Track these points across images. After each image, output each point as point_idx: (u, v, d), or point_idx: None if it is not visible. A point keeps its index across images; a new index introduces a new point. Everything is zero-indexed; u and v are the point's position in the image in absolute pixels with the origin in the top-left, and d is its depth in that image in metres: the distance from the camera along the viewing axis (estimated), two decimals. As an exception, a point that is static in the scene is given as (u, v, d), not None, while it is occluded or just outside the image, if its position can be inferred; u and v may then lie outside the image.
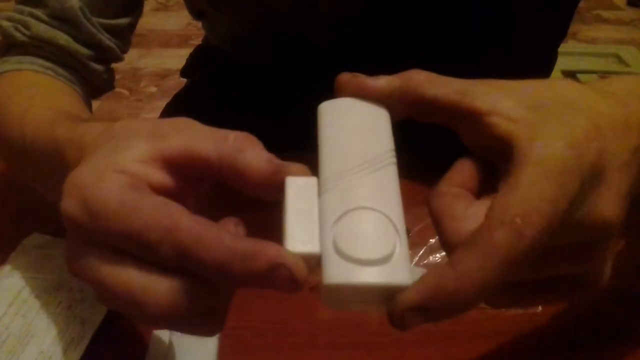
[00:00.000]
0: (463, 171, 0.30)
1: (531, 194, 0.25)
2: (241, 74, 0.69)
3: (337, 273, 0.24)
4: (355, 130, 0.28)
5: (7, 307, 0.39)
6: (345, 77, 0.30)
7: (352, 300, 0.25)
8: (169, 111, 0.75)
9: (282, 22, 0.56)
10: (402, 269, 0.24)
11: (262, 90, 0.67)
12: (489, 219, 0.25)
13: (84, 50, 0.51)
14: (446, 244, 0.27)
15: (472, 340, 0.40)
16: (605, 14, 2.81)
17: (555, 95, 0.29)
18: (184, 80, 0.80)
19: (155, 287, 0.25)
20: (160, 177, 0.27)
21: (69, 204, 0.26)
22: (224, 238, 0.24)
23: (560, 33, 0.63)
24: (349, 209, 0.25)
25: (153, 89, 2.19)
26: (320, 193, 0.26)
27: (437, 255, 0.46)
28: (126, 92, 2.16)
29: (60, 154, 0.33)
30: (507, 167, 0.26)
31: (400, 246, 0.24)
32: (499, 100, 0.28)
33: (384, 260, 0.24)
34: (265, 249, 0.24)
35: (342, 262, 0.24)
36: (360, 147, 0.28)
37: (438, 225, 0.27)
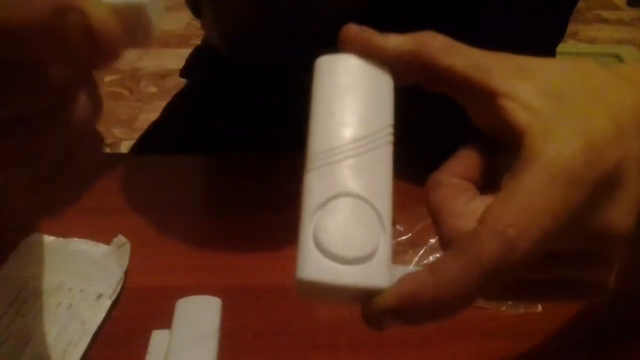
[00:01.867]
0: (466, 160, 0.27)
1: (532, 203, 0.23)
2: (240, 74, 0.69)
3: (313, 269, 0.22)
4: (354, 97, 0.26)
5: (7, 307, 0.39)
6: (352, 30, 0.27)
7: (326, 295, 0.23)
8: (169, 111, 0.75)
9: (279, 16, 0.55)
10: (382, 270, 0.23)
11: (261, 90, 0.67)
12: (481, 226, 0.23)
13: None
14: (443, 241, 0.25)
15: (472, 340, 0.40)
16: (605, 14, 2.81)
17: (579, 81, 0.26)
18: (184, 80, 0.80)
19: None
20: None
21: None
22: None
23: (558, 33, 0.63)
24: (336, 195, 0.23)
25: (153, 89, 2.19)
26: (306, 169, 0.24)
27: (437, 255, 0.46)
28: (126, 92, 2.16)
29: None
30: (514, 161, 0.25)
31: (383, 243, 0.23)
32: (518, 82, 0.26)
33: (365, 259, 0.23)
34: None
35: (320, 258, 0.22)
36: (356, 119, 0.25)
37: (436, 219, 0.26)
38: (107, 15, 0.18)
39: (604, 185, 0.24)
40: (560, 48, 0.66)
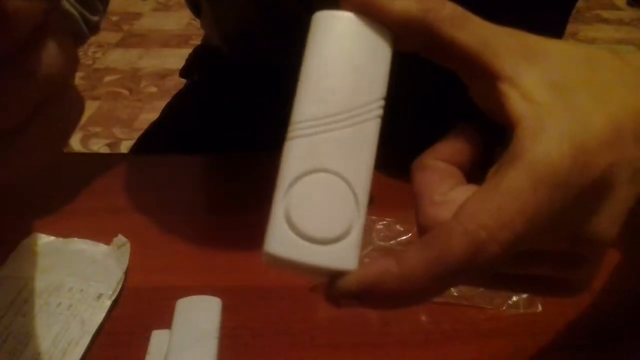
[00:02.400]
0: (455, 143, 0.26)
1: (509, 205, 0.22)
2: (240, 74, 0.69)
3: (280, 245, 0.22)
4: (347, 63, 0.24)
5: (7, 307, 0.39)
6: None
7: (293, 270, 0.23)
8: (169, 111, 0.75)
9: (279, 15, 0.55)
10: (351, 253, 0.23)
11: (261, 90, 0.67)
12: (454, 222, 0.22)
13: None
14: (418, 226, 0.25)
15: (472, 340, 0.40)
16: (605, 14, 2.81)
17: (588, 72, 0.25)
18: (184, 80, 0.80)
19: None
20: None
21: None
22: None
23: (558, 33, 0.63)
24: (313, 169, 0.23)
25: (153, 89, 2.19)
26: (288, 137, 0.23)
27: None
28: (126, 92, 2.16)
29: None
30: (504, 152, 0.24)
31: (355, 225, 0.23)
32: (523, 67, 0.24)
33: (334, 240, 0.22)
34: None
35: (290, 234, 0.22)
36: (346, 88, 0.24)
37: (417, 203, 0.25)
38: None
39: (591, 191, 0.23)
40: (561, 48, 0.66)
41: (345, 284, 0.23)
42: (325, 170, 0.23)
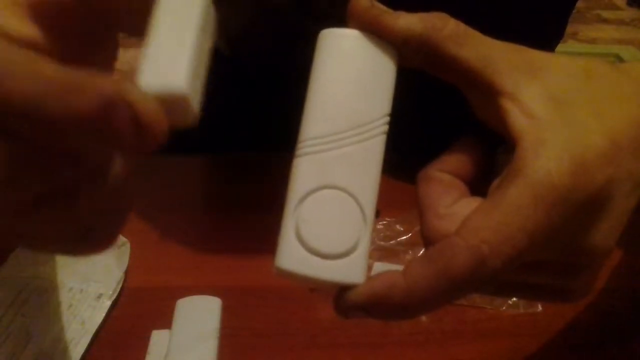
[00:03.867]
0: (460, 155, 0.27)
1: (510, 221, 0.23)
2: (239, 75, 0.69)
3: (291, 260, 0.23)
4: (353, 81, 0.25)
5: (7, 307, 0.39)
6: (361, 4, 0.25)
7: (303, 282, 0.24)
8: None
9: (279, 19, 0.55)
10: (359, 267, 0.23)
11: (260, 90, 0.67)
12: (457, 237, 0.23)
13: None
14: (424, 238, 0.25)
15: (472, 340, 0.40)
16: (605, 14, 2.81)
17: (588, 86, 0.25)
18: (184, 80, 0.80)
19: None
20: (25, 27, 0.21)
21: None
22: (42, 66, 0.17)
23: (558, 33, 0.63)
24: (321, 186, 0.23)
25: (153, 89, 2.19)
26: (296, 154, 0.24)
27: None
28: (126, 92, 2.16)
29: None
30: (507, 167, 0.24)
31: (363, 240, 0.23)
32: (524, 82, 0.25)
33: (343, 255, 0.23)
34: (99, 82, 0.18)
35: (300, 250, 0.23)
36: (354, 104, 0.24)
37: (421, 215, 0.26)
38: (154, 106, 0.18)
39: (590, 206, 0.24)
40: (561, 48, 0.66)
41: (354, 297, 0.23)
42: (333, 187, 0.24)
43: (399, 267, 0.24)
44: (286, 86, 0.66)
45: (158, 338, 0.38)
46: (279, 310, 0.42)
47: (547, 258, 0.25)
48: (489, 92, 0.25)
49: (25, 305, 0.39)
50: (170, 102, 0.19)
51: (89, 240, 0.22)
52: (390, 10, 0.26)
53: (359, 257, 0.23)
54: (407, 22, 0.25)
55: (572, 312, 0.43)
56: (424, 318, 0.42)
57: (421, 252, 0.47)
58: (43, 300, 0.39)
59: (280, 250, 0.23)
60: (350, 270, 0.23)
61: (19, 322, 0.38)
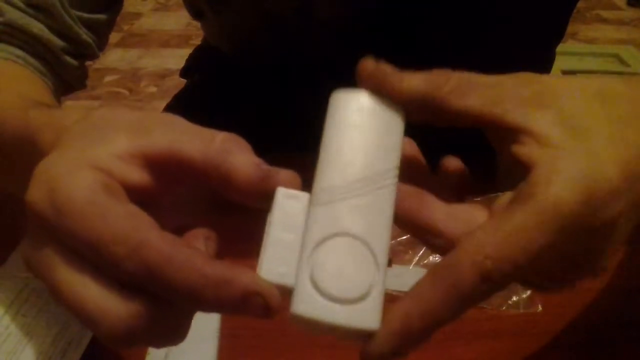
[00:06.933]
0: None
1: (515, 241, 0.23)
2: (241, 75, 0.69)
3: (307, 305, 0.23)
4: (363, 138, 0.26)
5: (7, 307, 0.39)
6: (368, 66, 0.27)
7: (320, 330, 0.24)
8: (169, 111, 0.75)
9: (280, 23, 0.56)
10: (374, 312, 0.24)
11: (261, 90, 0.67)
12: (462, 253, 0.24)
13: (59, 42, 0.48)
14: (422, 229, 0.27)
15: (472, 340, 0.40)
16: (605, 14, 2.81)
17: (601, 107, 0.26)
18: (184, 80, 0.80)
19: (113, 308, 0.23)
20: (138, 175, 0.25)
21: (35, 194, 0.24)
22: (195, 261, 0.23)
23: (558, 33, 0.63)
24: (335, 234, 0.24)
25: (153, 89, 2.19)
26: (311, 203, 0.25)
27: (437, 255, 0.46)
28: (126, 92, 2.16)
29: (32, 138, 0.30)
30: (517, 186, 0.25)
31: (377, 285, 0.24)
32: (535, 115, 0.25)
33: (358, 300, 0.24)
34: (239, 277, 0.23)
35: (315, 295, 0.23)
36: (364, 158, 0.26)
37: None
38: (278, 296, 0.23)
39: (594, 234, 0.25)
40: (560, 48, 0.66)
41: (377, 348, 0.24)
42: (345, 234, 0.24)
43: (398, 267, 0.24)
44: (289, 88, 0.66)
45: (158, 338, 0.38)
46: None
47: (547, 269, 0.26)
48: (501, 130, 0.26)
49: (25, 305, 0.39)
50: (283, 288, 0.24)
51: (169, 335, 0.25)
52: (395, 72, 0.27)
53: (374, 302, 0.24)
54: (411, 83, 0.26)
55: (572, 312, 0.43)
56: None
57: (421, 251, 0.47)
58: (43, 300, 0.39)
59: (296, 297, 0.24)
60: (366, 315, 0.24)
61: (19, 322, 0.38)
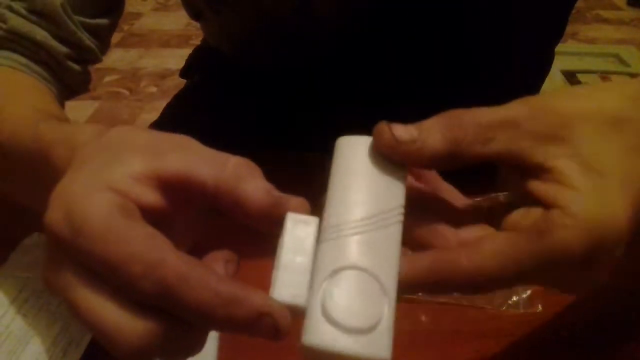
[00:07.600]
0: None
1: (510, 265, 0.25)
2: (241, 75, 0.69)
3: (318, 335, 0.24)
4: (369, 178, 0.27)
5: (7, 307, 0.39)
6: (384, 141, 0.27)
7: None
8: (169, 111, 0.75)
9: (279, 23, 0.56)
10: (384, 341, 0.24)
11: (261, 90, 0.67)
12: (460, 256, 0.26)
13: (62, 48, 0.48)
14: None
15: (472, 340, 0.40)
16: (605, 14, 2.81)
17: (617, 138, 0.27)
18: (184, 80, 0.80)
19: (130, 326, 0.23)
20: (153, 197, 0.26)
21: (53, 216, 0.25)
22: (209, 280, 0.23)
23: (557, 33, 0.63)
24: (344, 267, 0.25)
25: (153, 89, 2.19)
26: (320, 240, 0.26)
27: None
28: (126, 92, 2.16)
29: (45, 152, 0.31)
30: (530, 216, 0.26)
31: (386, 316, 0.25)
32: (552, 150, 0.26)
33: (368, 330, 0.24)
34: (251, 296, 0.23)
35: (326, 325, 0.24)
36: (370, 198, 0.27)
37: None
38: (288, 317, 0.24)
39: (593, 265, 0.26)
40: (560, 48, 0.66)
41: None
42: (354, 267, 0.25)
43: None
44: (288, 88, 0.66)
45: (158, 338, 0.38)
46: (279, 310, 0.42)
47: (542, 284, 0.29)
48: (519, 169, 0.27)
49: (26, 305, 0.39)
50: (294, 309, 0.25)
51: (184, 351, 0.27)
52: (412, 138, 0.26)
53: (384, 332, 0.24)
54: (430, 146, 0.26)
55: (572, 312, 0.43)
56: (423, 318, 0.42)
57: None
58: (43, 300, 0.39)
59: (307, 327, 0.24)
60: (377, 344, 0.24)
61: (20, 322, 0.38)
